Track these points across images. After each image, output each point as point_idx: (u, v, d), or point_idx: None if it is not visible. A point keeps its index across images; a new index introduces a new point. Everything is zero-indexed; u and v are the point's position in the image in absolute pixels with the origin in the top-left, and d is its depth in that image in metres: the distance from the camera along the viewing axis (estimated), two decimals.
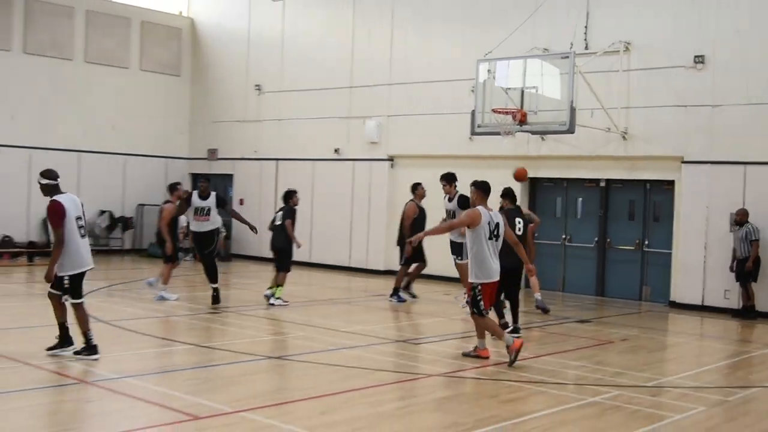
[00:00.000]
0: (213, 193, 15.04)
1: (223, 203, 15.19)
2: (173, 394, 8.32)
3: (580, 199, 19.15)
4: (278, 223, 15.57)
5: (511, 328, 12.64)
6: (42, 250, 22.35)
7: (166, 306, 14.52)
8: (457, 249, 14.95)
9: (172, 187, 16.23)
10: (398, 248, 16.46)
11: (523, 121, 16.35)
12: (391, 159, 22.02)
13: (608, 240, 18.66)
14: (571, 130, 16.01)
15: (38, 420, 7.46)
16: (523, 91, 16.69)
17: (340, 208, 22.63)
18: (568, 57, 16.12)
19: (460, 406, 8.58)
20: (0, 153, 22.56)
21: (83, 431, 7.10)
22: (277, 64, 24.40)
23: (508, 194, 13.06)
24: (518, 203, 13.43)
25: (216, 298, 14.75)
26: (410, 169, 21.06)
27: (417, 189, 16.37)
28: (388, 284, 18.25)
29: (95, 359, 9.76)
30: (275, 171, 24.37)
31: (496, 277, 10.56)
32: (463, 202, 13.97)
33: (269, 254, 16.28)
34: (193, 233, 15.19)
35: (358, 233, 22.41)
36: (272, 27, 24.58)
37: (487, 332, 10.81)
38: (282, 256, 15.56)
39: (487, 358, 10.69)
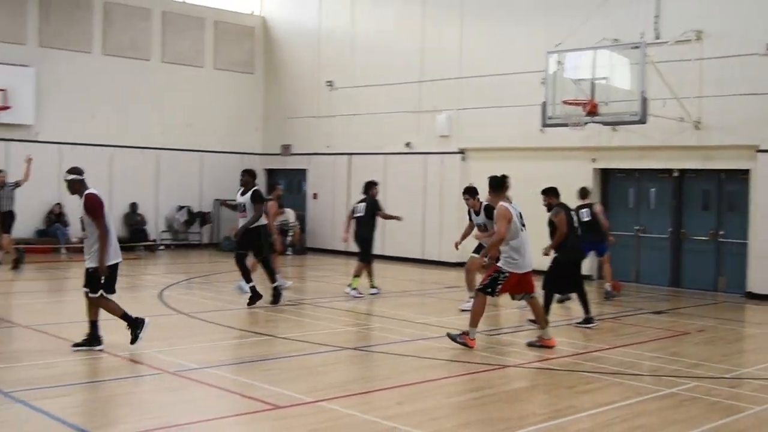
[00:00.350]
0: (253, 189, 14.01)
1: (256, 200, 13.88)
2: (253, 384, 8.55)
3: (653, 189, 18.99)
4: (359, 214, 15.78)
5: (582, 319, 12.70)
6: (125, 245, 22.94)
7: (244, 298, 14.82)
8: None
9: (270, 187, 16.51)
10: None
11: (594, 112, 16.30)
12: (462, 152, 22.10)
13: (682, 230, 18.47)
14: (642, 121, 15.92)
15: (125, 408, 7.74)
16: (593, 82, 16.64)
17: (412, 201, 22.78)
18: (638, 47, 16.02)
19: (536, 396, 8.67)
20: (81, 151, 23.29)
21: (168, 419, 7.34)
22: (348, 59, 24.64)
23: (550, 191, 12.92)
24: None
25: (276, 297, 14.13)
26: (481, 161, 21.10)
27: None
28: (461, 276, 18.38)
29: (148, 323, 10.21)
30: (348, 165, 24.64)
31: (528, 269, 10.70)
32: (489, 212, 13.17)
33: (342, 246, 16.59)
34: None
35: (430, 226, 22.54)
36: (343, 23, 24.84)
37: (541, 320, 10.97)
38: (363, 247, 15.76)
39: (553, 347, 10.81)
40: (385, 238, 22.33)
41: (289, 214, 23.61)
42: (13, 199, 18.44)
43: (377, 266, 17.04)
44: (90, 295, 9.99)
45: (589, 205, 15.81)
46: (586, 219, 15.31)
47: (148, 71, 24.84)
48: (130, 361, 9.51)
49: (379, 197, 16.27)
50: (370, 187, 16.02)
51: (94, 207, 9.82)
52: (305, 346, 10.72)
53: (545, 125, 17.56)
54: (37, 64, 22.64)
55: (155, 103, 24.91)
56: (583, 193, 16.02)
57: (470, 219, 14.21)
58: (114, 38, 24.18)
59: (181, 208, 25.29)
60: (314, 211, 25.74)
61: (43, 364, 9.33)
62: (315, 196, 25.73)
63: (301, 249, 24.68)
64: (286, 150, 26.58)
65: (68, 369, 9.25)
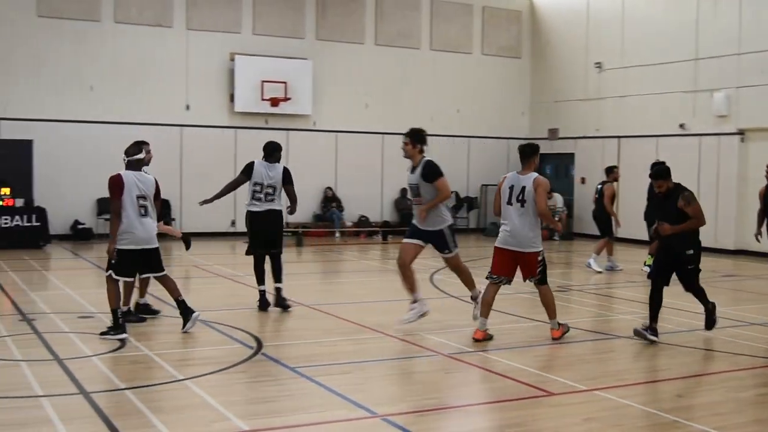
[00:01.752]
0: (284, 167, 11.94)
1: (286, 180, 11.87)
2: (526, 370, 8.53)
3: None
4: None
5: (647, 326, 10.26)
6: (395, 229, 23.73)
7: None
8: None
9: (609, 170, 17.35)
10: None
11: None
12: (741, 133, 20.89)
13: None
14: None
15: (403, 388, 7.98)
16: None
17: (686, 184, 21.70)
18: None
19: None
20: (355, 138, 24.35)
21: (445, 400, 7.50)
22: (618, 40, 23.95)
23: (666, 172, 10.84)
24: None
25: (277, 301, 11.61)
26: (763, 143, 19.88)
27: None
28: (738, 264, 17.46)
29: (122, 338, 9.48)
30: (617, 149, 24.01)
31: (502, 245, 9.97)
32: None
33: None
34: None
35: (705, 211, 21.44)
36: (612, 2, 24.17)
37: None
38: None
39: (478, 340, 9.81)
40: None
41: (557, 199, 23.49)
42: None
43: (638, 252, 16.58)
44: (106, 273, 9.71)
45: None
46: None
47: (418, 59, 25.45)
48: (406, 342, 9.78)
49: (647, 181, 15.85)
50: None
51: (110, 188, 9.53)
52: (576, 333, 10.55)
53: None
54: (314, 57, 23.83)
55: (425, 91, 25.49)
56: None
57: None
58: (385, 28, 24.98)
59: None
60: (581, 196, 25.29)
61: (325, 342, 9.83)
62: (583, 180, 25.28)
63: (568, 234, 24.36)
64: (553, 134, 26.32)
65: (347, 348, 9.68)
